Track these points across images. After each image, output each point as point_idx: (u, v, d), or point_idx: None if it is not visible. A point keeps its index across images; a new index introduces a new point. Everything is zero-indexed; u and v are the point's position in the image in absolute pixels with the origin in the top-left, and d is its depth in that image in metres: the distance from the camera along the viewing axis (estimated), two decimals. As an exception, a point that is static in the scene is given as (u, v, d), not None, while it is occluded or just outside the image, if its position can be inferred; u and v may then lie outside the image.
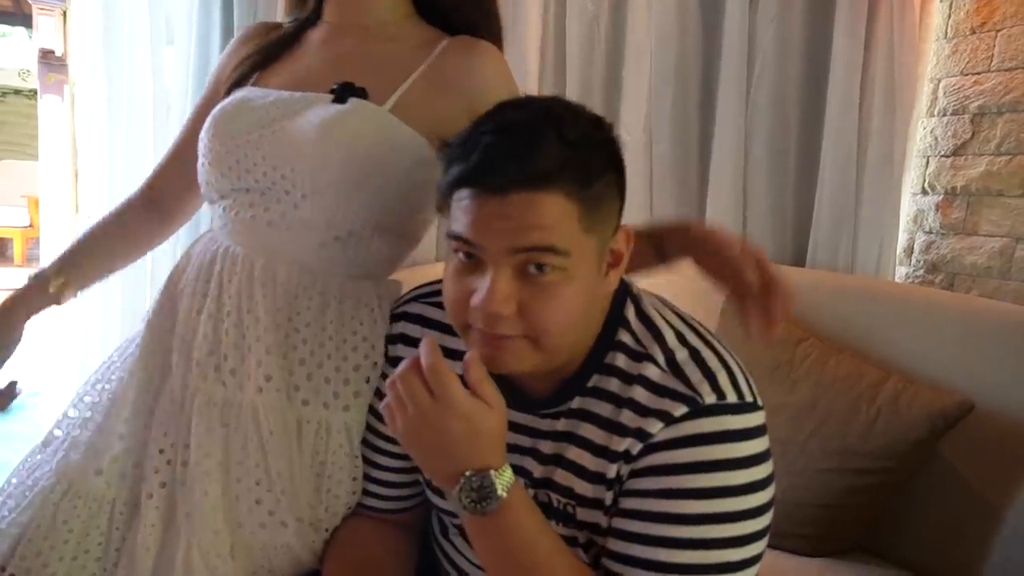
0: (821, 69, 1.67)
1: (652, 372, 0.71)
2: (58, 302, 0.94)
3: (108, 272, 1.02)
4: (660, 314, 0.76)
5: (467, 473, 0.66)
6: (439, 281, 0.78)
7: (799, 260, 1.73)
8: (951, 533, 1.24)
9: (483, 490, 0.66)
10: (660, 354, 0.72)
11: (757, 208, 1.77)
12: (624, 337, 0.75)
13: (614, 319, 0.75)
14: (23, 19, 5.85)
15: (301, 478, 0.84)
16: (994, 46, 1.51)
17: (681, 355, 0.72)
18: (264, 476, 0.83)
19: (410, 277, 1.00)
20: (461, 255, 0.68)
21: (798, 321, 1.45)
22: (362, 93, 0.86)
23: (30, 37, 6.47)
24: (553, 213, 0.64)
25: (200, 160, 0.91)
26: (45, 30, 6.11)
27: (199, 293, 0.88)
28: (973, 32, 1.55)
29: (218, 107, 0.90)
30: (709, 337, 0.75)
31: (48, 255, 1.74)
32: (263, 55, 0.95)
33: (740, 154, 1.77)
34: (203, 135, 0.90)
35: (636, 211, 1.92)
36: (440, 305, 0.78)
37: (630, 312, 0.76)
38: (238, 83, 0.94)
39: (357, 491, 0.87)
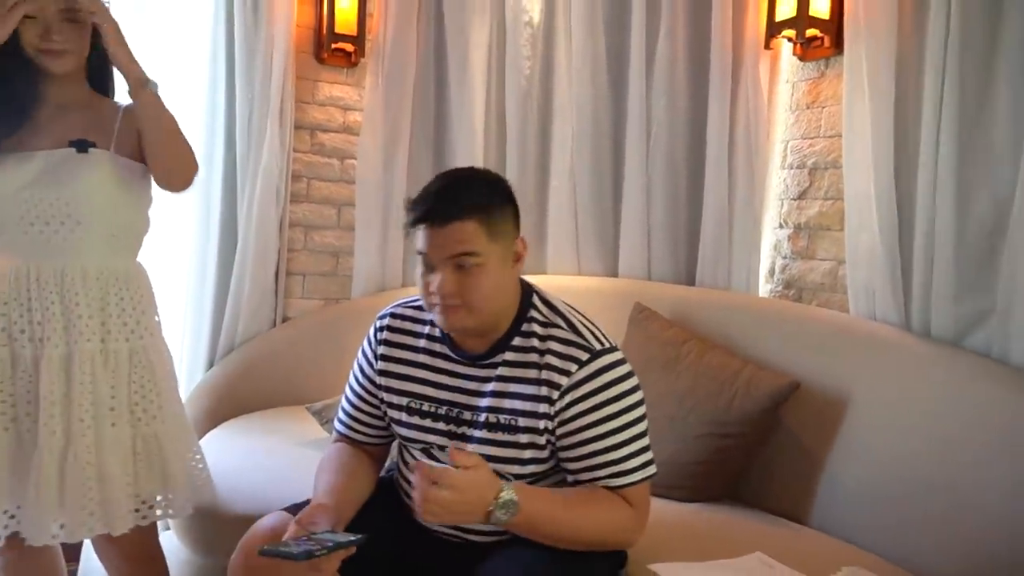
0: (700, 132, 2.14)
1: (559, 332, 1.19)
2: None
3: None
4: (553, 301, 1.25)
5: (490, 508, 1.06)
6: (405, 298, 1.31)
7: (690, 280, 2.20)
8: (790, 480, 1.67)
9: (507, 505, 1.06)
10: (561, 321, 1.20)
11: (658, 241, 2.24)
12: (534, 313, 1.22)
13: (525, 302, 1.22)
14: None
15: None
16: (821, 118, 2.02)
17: (573, 322, 1.20)
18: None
19: (390, 296, 1.44)
20: (422, 264, 1.16)
21: (686, 326, 1.91)
22: (93, 144, 1.33)
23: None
24: (468, 233, 1.12)
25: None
26: None
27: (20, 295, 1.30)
28: (808, 107, 2.06)
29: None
30: (579, 313, 1.23)
31: None
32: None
33: (644, 197, 2.23)
34: None
35: (566, 244, 2.38)
36: (410, 308, 1.28)
37: (536, 299, 1.24)
38: None
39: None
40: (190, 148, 1.41)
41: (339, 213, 2.32)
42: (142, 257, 1.47)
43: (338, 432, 1.35)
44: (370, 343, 1.31)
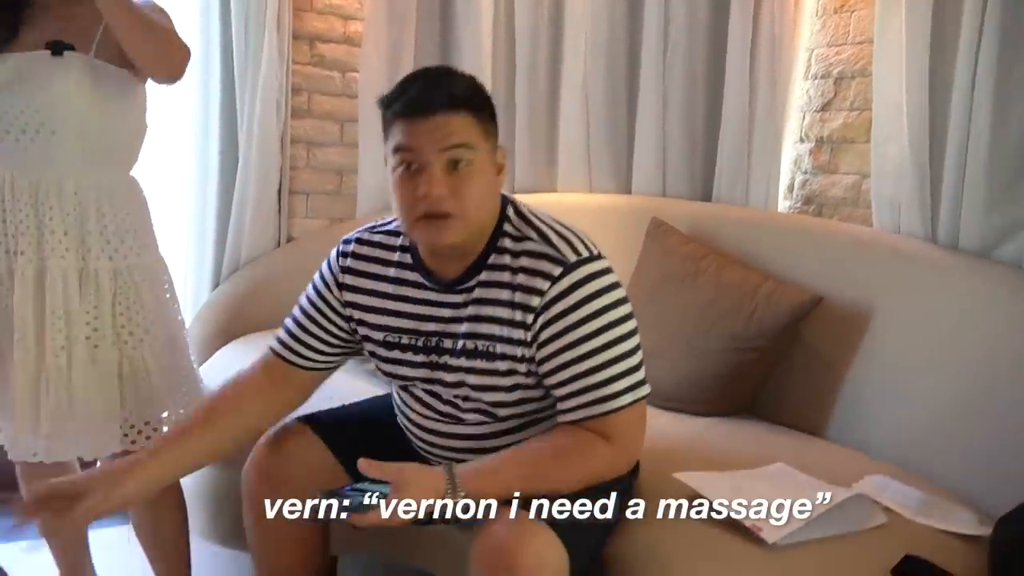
0: (720, 42, 2.05)
1: (530, 245, 1.07)
2: None
3: None
4: (528, 211, 1.12)
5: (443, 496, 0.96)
6: (372, 222, 1.19)
7: (707, 196, 2.14)
8: (809, 394, 1.66)
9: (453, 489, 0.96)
10: (533, 233, 1.08)
11: (674, 156, 2.17)
12: (507, 227, 1.09)
13: (500, 218, 1.10)
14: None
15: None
16: (850, 23, 1.92)
17: (545, 231, 1.07)
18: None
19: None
20: (403, 168, 1.02)
21: (704, 242, 1.87)
22: (71, 47, 1.23)
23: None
24: (462, 124, 1.02)
25: None
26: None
27: None
28: (836, 12, 1.96)
29: None
30: (557, 222, 1.10)
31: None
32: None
33: (659, 112, 2.15)
34: None
35: (577, 160, 2.31)
36: (378, 233, 1.16)
37: (510, 211, 1.11)
38: None
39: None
40: (169, 34, 1.29)
41: (342, 129, 2.23)
42: (140, 173, 1.39)
43: (272, 348, 1.22)
44: (331, 268, 1.19)
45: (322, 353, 1.21)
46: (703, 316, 1.71)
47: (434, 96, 1.02)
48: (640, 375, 1.07)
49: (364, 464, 0.96)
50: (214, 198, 2.04)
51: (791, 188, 2.09)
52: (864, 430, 1.54)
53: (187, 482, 1.49)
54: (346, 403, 1.35)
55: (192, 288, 2.08)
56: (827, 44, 1.98)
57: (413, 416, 1.21)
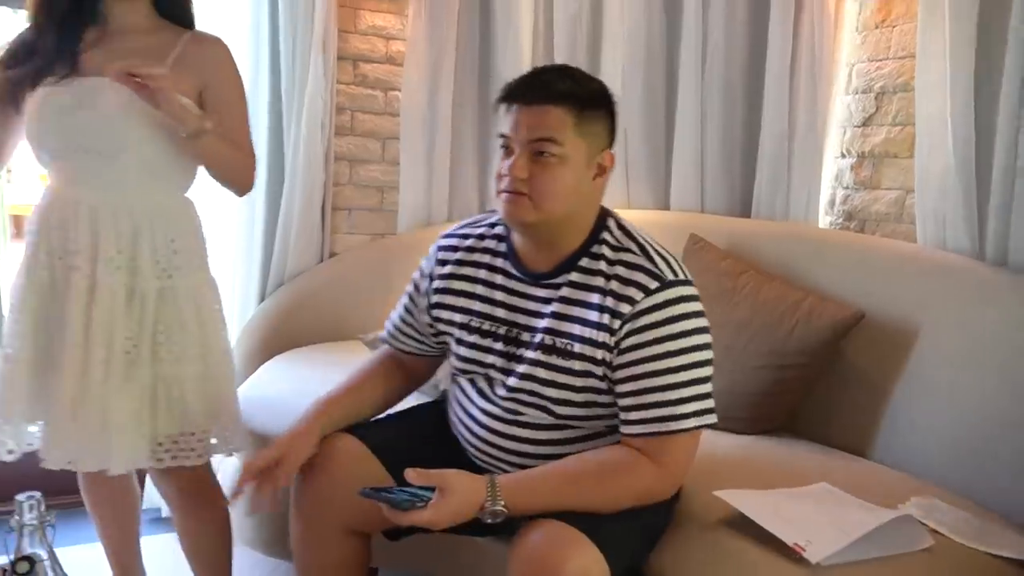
0: (759, 57, 2.05)
1: (629, 257, 1.11)
2: None
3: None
4: (633, 228, 1.17)
5: (483, 505, 0.99)
6: (469, 219, 1.28)
7: (745, 212, 2.13)
8: (852, 413, 1.63)
9: (495, 511, 0.99)
10: (634, 246, 1.12)
11: (712, 171, 2.17)
12: (607, 236, 1.14)
13: (600, 225, 1.15)
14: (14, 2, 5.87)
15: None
16: (891, 38, 1.91)
17: (647, 248, 1.12)
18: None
19: (436, 231, 1.40)
20: (502, 149, 1.10)
21: (743, 258, 1.86)
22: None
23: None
24: (554, 118, 1.06)
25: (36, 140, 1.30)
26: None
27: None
28: (877, 27, 1.94)
29: (41, 103, 1.27)
30: (659, 243, 1.15)
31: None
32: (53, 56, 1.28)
33: (697, 126, 2.16)
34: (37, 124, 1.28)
35: (615, 175, 2.30)
36: (474, 227, 1.25)
37: (611, 223, 1.16)
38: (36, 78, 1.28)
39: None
40: (248, 164, 1.39)
41: (383, 147, 2.28)
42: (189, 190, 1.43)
43: (382, 337, 1.36)
44: (429, 263, 1.27)
45: (419, 342, 1.31)
46: (741, 332, 1.70)
47: (540, 90, 1.08)
48: (709, 404, 1.08)
49: (411, 473, 1.00)
50: (261, 214, 2.10)
51: (832, 203, 2.07)
52: (910, 450, 1.51)
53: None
54: (391, 412, 1.38)
55: (239, 303, 2.14)
56: (868, 59, 1.96)
57: (472, 409, 1.23)
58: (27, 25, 1.34)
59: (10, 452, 1.32)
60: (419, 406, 1.41)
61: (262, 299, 2.15)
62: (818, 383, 1.67)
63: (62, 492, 1.52)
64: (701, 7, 2.09)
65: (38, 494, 1.01)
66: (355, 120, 2.25)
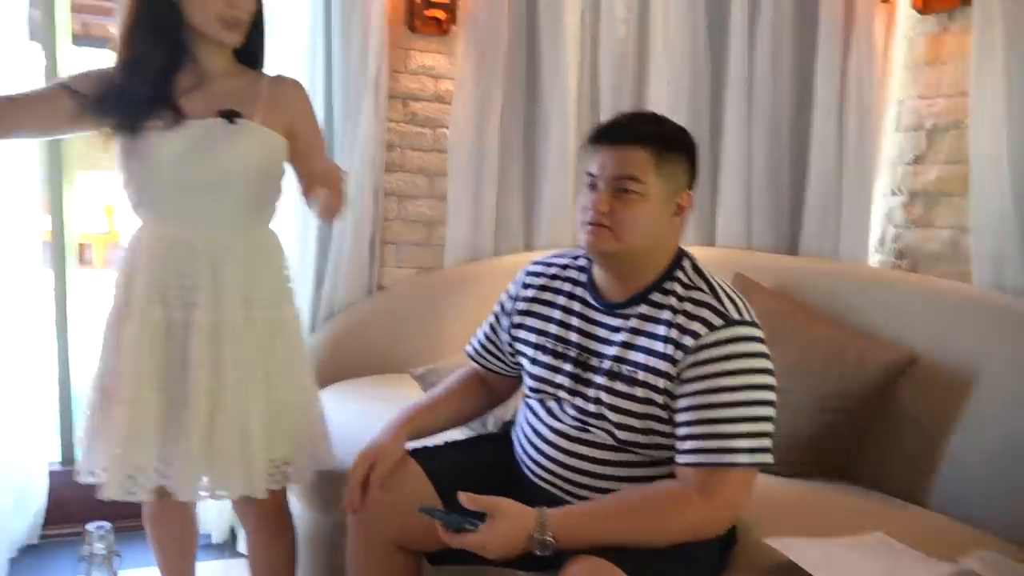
0: (806, 94, 2.05)
1: (698, 295, 1.16)
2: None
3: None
4: (706, 270, 1.22)
5: (530, 535, 1.03)
6: (554, 252, 1.37)
7: (793, 249, 2.11)
8: (906, 458, 1.59)
9: (543, 540, 1.03)
10: (704, 286, 1.17)
11: (759, 207, 2.16)
12: (680, 274, 1.19)
13: (676, 263, 1.21)
14: (98, 42, 6.11)
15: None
16: (942, 76, 1.89)
17: (716, 289, 1.17)
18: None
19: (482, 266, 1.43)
20: (588, 186, 1.18)
21: (790, 297, 1.84)
22: (240, 115, 1.33)
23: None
24: (637, 159, 1.14)
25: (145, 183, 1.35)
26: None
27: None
28: (927, 64, 1.93)
29: (155, 150, 1.31)
30: (731, 287, 1.20)
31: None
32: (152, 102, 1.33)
33: (744, 162, 2.16)
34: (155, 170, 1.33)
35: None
36: (558, 258, 1.33)
37: (687, 263, 1.22)
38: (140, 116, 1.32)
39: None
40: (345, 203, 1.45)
41: (431, 182, 2.33)
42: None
43: (467, 351, 1.44)
44: (515, 286, 1.35)
45: (500, 360, 1.39)
46: (789, 375, 1.66)
47: (624, 132, 1.17)
48: (766, 443, 1.11)
49: (464, 497, 1.04)
50: (312, 247, 2.15)
51: (883, 242, 2.04)
52: (969, 498, 1.47)
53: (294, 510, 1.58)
54: (448, 441, 1.42)
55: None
56: (918, 96, 1.94)
57: (541, 427, 1.27)
58: (112, 65, 1.37)
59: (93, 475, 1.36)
60: (477, 438, 1.47)
61: (312, 330, 2.20)
62: (871, 427, 1.63)
63: (120, 516, 1.58)
64: (747, 47, 2.10)
65: (108, 525, 1.06)
66: (404, 156, 2.30)
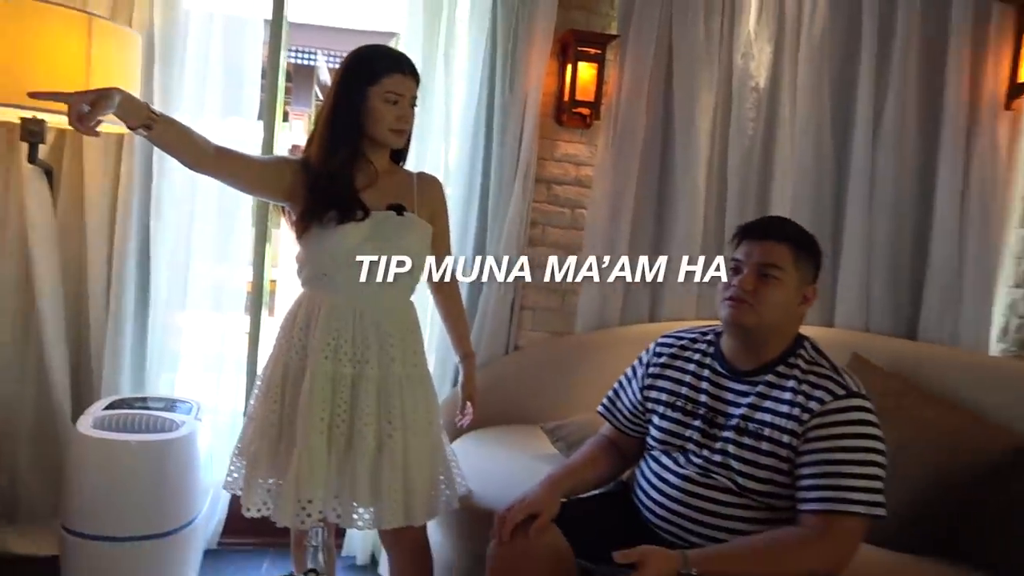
0: (928, 189, 2.16)
1: (820, 370, 1.37)
2: None
3: None
4: (824, 351, 1.43)
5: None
6: (668, 331, 1.59)
7: (911, 334, 2.19)
8: (1017, 539, 1.62)
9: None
10: (825, 363, 1.38)
11: (878, 291, 2.26)
12: (803, 352, 1.41)
13: (798, 343, 1.42)
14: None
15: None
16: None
17: (837, 367, 1.38)
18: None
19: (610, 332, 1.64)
20: (731, 271, 1.43)
21: (906, 379, 1.93)
22: (405, 208, 1.63)
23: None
24: (780, 251, 1.38)
25: (328, 263, 1.62)
26: (296, 129, 7.31)
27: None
28: (1052, 164, 2.01)
29: (345, 237, 1.59)
30: (844, 367, 1.39)
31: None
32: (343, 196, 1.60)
33: (865, 250, 2.28)
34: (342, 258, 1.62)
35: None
36: (687, 332, 1.55)
37: (807, 344, 1.43)
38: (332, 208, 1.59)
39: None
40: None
41: (567, 256, 2.60)
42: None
43: (599, 411, 1.66)
44: (648, 354, 1.57)
45: (627, 417, 1.59)
46: (902, 452, 1.76)
47: (772, 230, 1.42)
48: (880, 497, 1.28)
49: (619, 555, 1.23)
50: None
51: (1005, 332, 2.09)
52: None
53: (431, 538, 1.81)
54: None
55: (436, 385, 2.47)
56: (1043, 194, 2.02)
57: (667, 475, 1.46)
58: (304, 156, 1.66)
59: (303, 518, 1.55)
60: (597, 492, 1.63)
61: (455, 383, 2.48)
62: (984, 509, 1.68)
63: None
64: (871, 144, 2.24)
65: (323, 527, 1.35)
66: (545, 233, 2.60)
